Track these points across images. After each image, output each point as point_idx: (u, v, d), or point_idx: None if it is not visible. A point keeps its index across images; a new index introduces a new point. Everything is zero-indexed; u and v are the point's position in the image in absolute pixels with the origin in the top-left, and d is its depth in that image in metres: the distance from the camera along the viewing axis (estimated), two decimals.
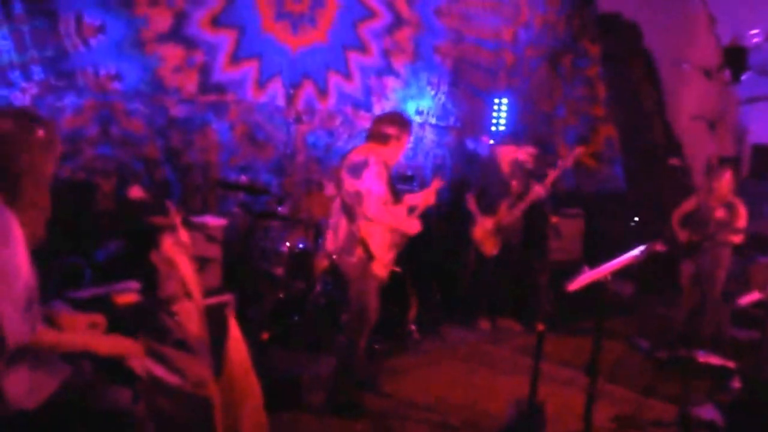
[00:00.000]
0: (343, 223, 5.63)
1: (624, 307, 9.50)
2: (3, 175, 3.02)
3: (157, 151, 7.76)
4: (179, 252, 3.81)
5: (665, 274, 8.25)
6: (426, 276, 8.25)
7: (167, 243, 3.77)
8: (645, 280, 10.01)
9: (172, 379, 3.39)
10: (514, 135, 10.09)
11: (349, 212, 5.53)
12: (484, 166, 8.97)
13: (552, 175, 8.25)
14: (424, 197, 6.10)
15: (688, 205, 7.94)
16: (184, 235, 3.89)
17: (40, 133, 3.12)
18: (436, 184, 6.21)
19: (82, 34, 7.06)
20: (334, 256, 5.81)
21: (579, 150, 8.56)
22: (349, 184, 5.56)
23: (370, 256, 5.43)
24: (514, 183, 8.54)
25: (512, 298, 8.74)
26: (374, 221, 5.47)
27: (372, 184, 5.42)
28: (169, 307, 3.77)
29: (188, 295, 3.73)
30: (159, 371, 3.37)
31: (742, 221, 7.62)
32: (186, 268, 3.80)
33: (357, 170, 5.51)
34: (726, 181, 7.65)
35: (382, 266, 5.63)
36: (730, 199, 7.68)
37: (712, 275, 7.70)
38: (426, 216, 6.16)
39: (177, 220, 3.93)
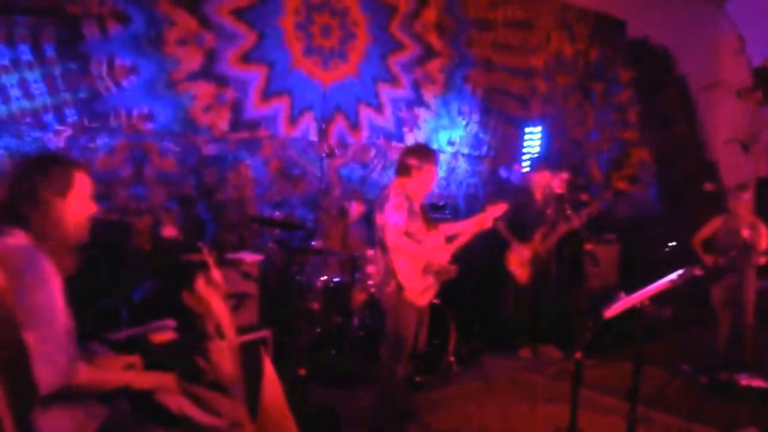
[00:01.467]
0: (380, 255, 5.71)
1: (663, 332, 9.40)
2: (14, 212, 3.08)
3: (191, 190, 7.80)
4: (212, 292, 3.81)
5: (704, 297, 8.16)
6: (465, 307, 8.21)
7: (200, 282, 3.78)
8: (684, 304, 9.91)
9: (208, 419, 3.38)
10: (547, 160, 10.03)
11: (382, 245, 5.60)
12: (516, 194, 8.91)
13: (586, 211, 8.29)
14: (479, 222, 6.06)
15: (708, 229, 7.91)
16: (216, 274, 3.89)
17: (54, 172, 3.18)
18: (498, 209, 6.17)
19: (114, 76, 7.15)
20: (373, 288, 5.86)
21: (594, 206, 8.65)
22: (378, 218, 5.68)
23: (400, 286, 5.46)
24: (549, 212, 8.49)
25: (551, 324, 8.68)
26: (394, 251, 5.54)
27: (390, 216, 5.52)
28: (204, 347, 3.78)
29: (221, 334, 3.73)
30: (195, 412, 3.37)
31: (764, 242, 7.59)
32: (219, 307, 3.80)
33: (381, 204, 5.65)
34: (745, 202, 7.64)
35: (417, 294, 5.64)
36: (752, 220, 7.66)
37: (743, 297, 7.66)
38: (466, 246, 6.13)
39: (209, 258, 3.93)
